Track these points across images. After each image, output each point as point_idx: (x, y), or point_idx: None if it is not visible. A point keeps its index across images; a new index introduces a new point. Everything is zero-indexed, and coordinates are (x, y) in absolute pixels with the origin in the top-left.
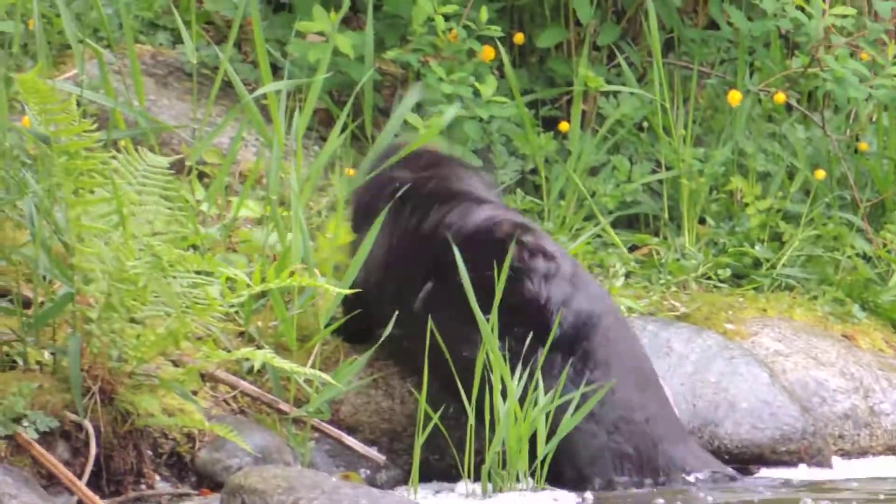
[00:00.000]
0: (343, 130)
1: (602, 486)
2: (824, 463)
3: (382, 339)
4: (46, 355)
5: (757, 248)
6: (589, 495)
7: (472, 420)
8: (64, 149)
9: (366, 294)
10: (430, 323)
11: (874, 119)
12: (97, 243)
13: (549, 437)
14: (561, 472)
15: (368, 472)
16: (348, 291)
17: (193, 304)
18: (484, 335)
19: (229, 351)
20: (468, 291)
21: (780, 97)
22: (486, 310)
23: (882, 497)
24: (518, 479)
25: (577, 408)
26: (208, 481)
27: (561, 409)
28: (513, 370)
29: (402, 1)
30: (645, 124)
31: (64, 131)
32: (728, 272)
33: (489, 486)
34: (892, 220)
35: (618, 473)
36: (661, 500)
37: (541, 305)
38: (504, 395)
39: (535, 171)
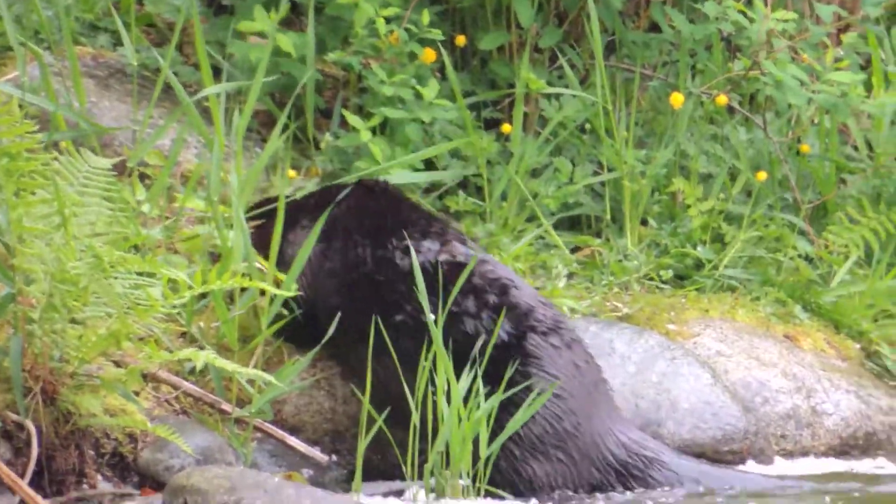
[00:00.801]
0: (284, 131)
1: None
2: (766, 463)
3: (324, 340)
4: None
5: (699, 249)
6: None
7: (415, 419)
8: (5, 151)
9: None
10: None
11: (816, 121)
12: (39, 244)
13: (492, 438)
14: (503, 478)
15: (311, 472)
16: (288, 294)
17: (135, 304)
18: (432, 334)
19: (171, 351)
20: (421, 294)
21: (722, 99)
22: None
23: (828, 500)
24: (461, 479)
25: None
26: (150, 481)
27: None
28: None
29: (343, 3)
30: (587, 126)
31: (5, 133)
32: (670, 273)
33: (433, 492)
34: (834, 222)
35: (550, 458)
36: None
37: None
38: (448, 395)
39: (477, 174)
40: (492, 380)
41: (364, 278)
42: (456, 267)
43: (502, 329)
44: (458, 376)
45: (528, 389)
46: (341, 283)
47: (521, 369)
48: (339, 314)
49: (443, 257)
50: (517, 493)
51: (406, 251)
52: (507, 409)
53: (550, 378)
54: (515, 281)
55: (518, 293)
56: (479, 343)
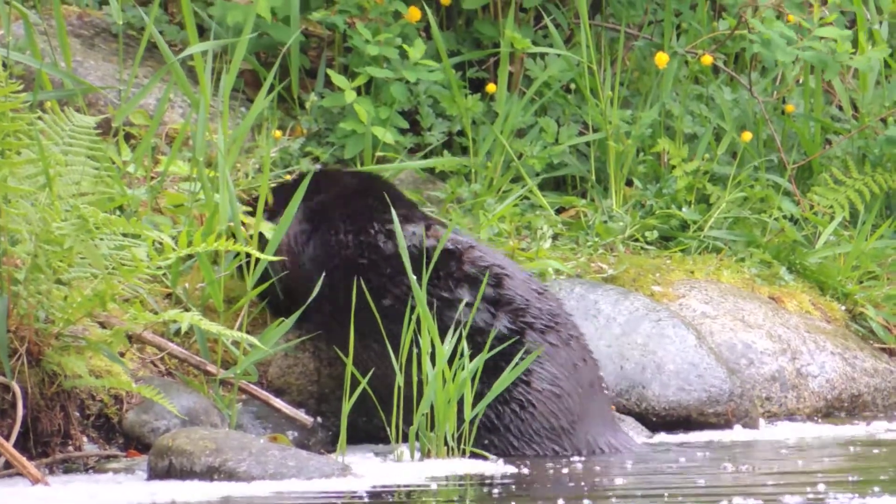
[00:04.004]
0: (270, 92)
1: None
2: (751, 425)
3: (305, 305)
4: None
5: (684, 210)
6: (515, 467)
7: (400, 381)
8: None
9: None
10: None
11: (801, 81)
12: (24, 204)
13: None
14: (488, 440)
15: (296, 434)
16: (273, 258)
17: (120, 265)
18: (416, 294)
19: (156, 313)
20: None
21: (707, 59)
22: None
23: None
24: (446, 443)
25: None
26: (136, 443)
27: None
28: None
29: None
30: (572, 86)
31: None
32: (655, 234)
33: (417, 451)
34: (819, 182)
35: (546, 449)
36: (579, 466)
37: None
38: (433, 357)
39: (462, 133)
40: (489, 372)
41: (346, 262)
42: (444, 252)
43: (500, 323)
44: (451, 364)
45: (528, 384)
46: (322, 266)
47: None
48: (315, 292)
49: (430, 242)
50: None
51: (389, 235)
52: (508, 404)
53: (548, 374)
54: (507, 268)
55: (512, 283)
56: (490, 337)
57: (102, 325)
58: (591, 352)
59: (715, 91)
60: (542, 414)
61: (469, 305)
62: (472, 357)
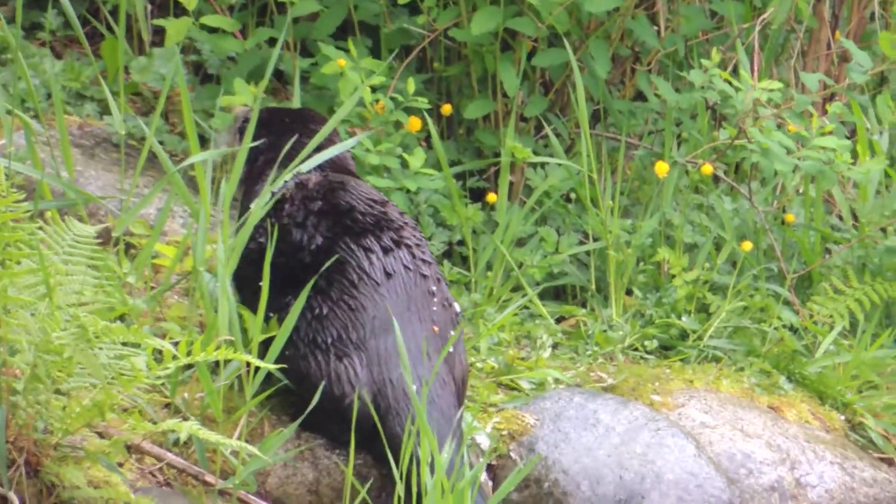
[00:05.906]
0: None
1: None
2: None
3: (309, 409)
4: None
5: (684, 319)
6: None
7: (400, 491)
8: None
9: None
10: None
11: (801, 191)
12: (23, 314)
13: None
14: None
15: None
16: (273, 367)
17: (119, 375)
18: (414, 405)
19: (155, 422)
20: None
21: (708, 169)
22: None
23: None
24: None
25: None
26: None
27: None
28: None
29: (329, 74)
30: (573, 195)
31: None
32: (655, 343)
33: None
34: (819, 292)
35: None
36: None
37: None
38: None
39: (462, 243)
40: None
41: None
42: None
43: (319, 232)
44: (284, 293)
45: (328, 297)
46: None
47: (325, 276)
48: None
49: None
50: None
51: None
52: (304, 315)
53: (347, 285)
54: (349, 183)
55: (343, 194)
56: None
57: (101, 435)
58: (431, 262)
59: (715, 201)
60: (333, 325)
61: (298, 224)
62: None
